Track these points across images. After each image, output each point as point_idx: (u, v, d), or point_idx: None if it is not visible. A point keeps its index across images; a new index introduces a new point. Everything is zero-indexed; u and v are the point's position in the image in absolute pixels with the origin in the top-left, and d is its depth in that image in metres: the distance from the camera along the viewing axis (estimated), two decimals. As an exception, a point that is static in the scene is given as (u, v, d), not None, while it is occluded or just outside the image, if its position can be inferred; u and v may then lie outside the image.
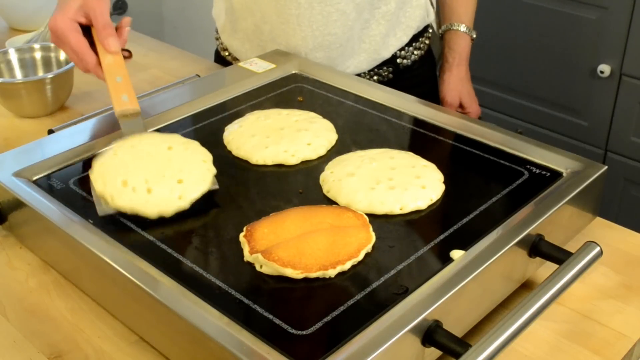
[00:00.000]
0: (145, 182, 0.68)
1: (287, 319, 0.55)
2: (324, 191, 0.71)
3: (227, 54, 1.13)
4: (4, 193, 0.72)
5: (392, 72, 1.05)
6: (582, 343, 0.62)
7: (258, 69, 0.96)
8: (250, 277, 0.60)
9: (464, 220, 0.66)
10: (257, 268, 0.61)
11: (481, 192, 0.71)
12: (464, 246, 0.62)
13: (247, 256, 0.61)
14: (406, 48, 1.05)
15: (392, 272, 0.60)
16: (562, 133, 1.73)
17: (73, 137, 0.80)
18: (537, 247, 0.64)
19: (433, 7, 1.10)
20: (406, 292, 0.57)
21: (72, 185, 0.73)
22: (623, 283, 0.68)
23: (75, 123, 0.86)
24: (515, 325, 0.55)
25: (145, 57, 1.22)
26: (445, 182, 0.72)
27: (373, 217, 0.67)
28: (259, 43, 1.05)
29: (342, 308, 0.56)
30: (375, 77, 1.05)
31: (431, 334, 0.54)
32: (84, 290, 0.67)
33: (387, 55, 1.03)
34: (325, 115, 0.84)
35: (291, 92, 0.92)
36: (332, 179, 0.72)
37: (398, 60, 1.05)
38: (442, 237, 0.64)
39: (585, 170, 0.71)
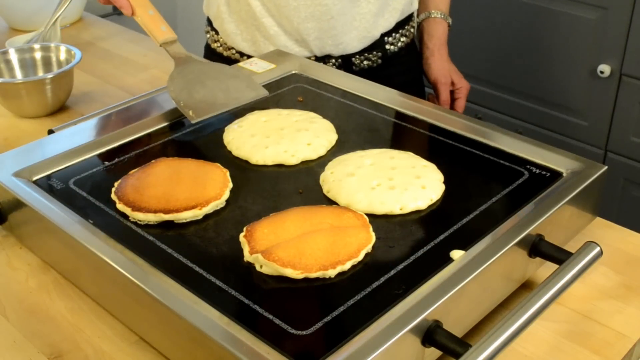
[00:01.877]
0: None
1: (287, 319, 0.55)
2: (324, 191, 0.71)
3: (218, 45, 1.15)
4: (4, 193, 0.72)
5: (381, 58, 1.10)
6: (582, 343, 0.62)
7: (258, 69, 0.96)
8: (250, 277, 0.60)
9: (464, 220, 0.66)
10: (257, 268, 0.61)
11: (481, 192, 0.71)
12: (464, 246, 0.62)
13: (247, 256, 0.61)
14: (393, 34, 1.10)
15: (392, 272, 0.60)
16: (562, 133, 1.73)
17: (73, 137, 0.80)
18: (537, 247, 0.64)
19: None
20: (406, 292, 0.57)
21: (72, 185, 0.73)
22: (623, 283, 0.68)
23: (75, 123, 0.86)
24: (515, 325, 0.55)
25: (145, 57, 1.22)
26: (445, 182, 0.72)
27: (373, 217, 0.67)
28: (253, 22, 1.07)
29: (342, 308, 0.56)
30: (365, 63, 1.09)
31: (431, 334, 0.54)
32: (84, 290, 0.67)
33: (376, 34, 1.08)
34: (325, 115, 0.84)
35: (291, 92, 0.92)
36: (332, 179, 0.72)
37: (386, 47, 1.10)
38: (442, 237, 0.64)
39: (585, 170, 0.71)
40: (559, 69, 1.68)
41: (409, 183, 0.70)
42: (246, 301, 0.57)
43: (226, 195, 0.70)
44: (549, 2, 1.64)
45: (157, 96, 0.91)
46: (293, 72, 0.96)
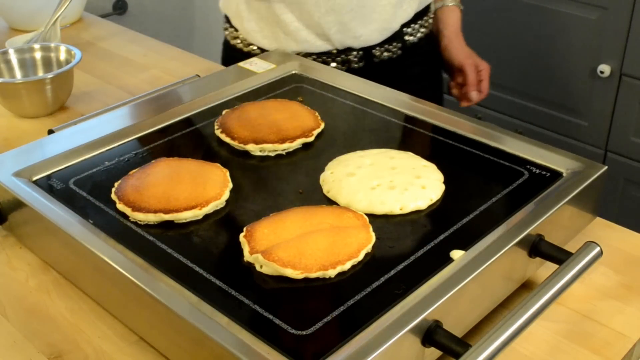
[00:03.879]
0: None
1: (287, 319, 0.55)
2: (324, 191, 0.71)
3: (238, 41, 1.15)
4: (4, 193, 0.72)
5: (401, 49, 1.11)
6: (582, 343, 0.62)
7: (258, 69, 0.96)
8: (250, 277, 0.60)
9: (464, 220, 0.66)
10: (257, 268, 0.61)
11: (481, 192, 0.71)
12: (464, 246, 0.62)
13: (247, 256, 0.61)
14: (412, 25, 1.11)
15: (392, 272, 0.60)
16: (562, 133, 1.73)
17: (73, 137, 0.80)
18: (537, 247, 0.64)
19: None
20: (406, 292, 0.57)
21: (72, 185, 0.73)
22: (623, 283, 0.68)
23: (75, 123, 0.86)
24: (515, 325, 0.55)
25: (145, 57, 1.22)
26: (445, 182, 0.72)
27: (373, 217, 0.67)
28: (273, 19, 1.08)
29: (342, 308, 0.56)
30: (385, 54, 1.10)
31: (431, 334, 0.54)
32: (84, 290, 0.67)
33: (395, 26, 1.09)
34: (324, 115, 0.84)
35: (291, 92, 0.92)
36: (332, 179, 0.72)
37: (406, 38, 1.11)
38: (442, 237, 0.64)
39: (585, 170, 0.71)
40: (559, 69, 1.68)
41: (409, 183, 0.70)
42: (246, 301, 0.57)
43: (226, 195, 0.70)
44: (549, 2, 1.65)
45: (157, 96, 0.91)
46: (293, 72, 0.96)
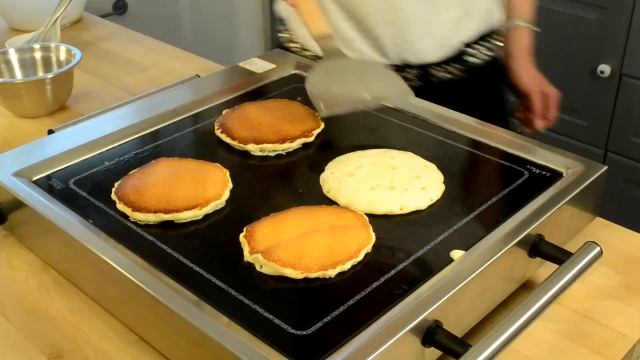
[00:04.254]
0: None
1: (287, 319, 0.55)
2: (324, 191, 0.71)
3: (292, 45, 1.11)
4: (4, 193, 0.72)
5: (462, 71, 1.04)
6: (582, 343, 0.62)
7: (258, 69, 0.96)
8: (250, 277, 0.60)
9: (464, 220, 0.66)
10: (257, 268, 0.61)
11: (481, 192, 0.71)
12: (464, 246, 0.62)
13: (247, 256, 0.61)
14: (475, 46, 1.04)
15: (392, 272, 0.60)
16: (562, 133, 1.73)
17: (73, 137, 0.80)
18: (537, 247, 0.64)
19: (501, 9, 1.10)
20: (406, 292, 0.57)
21: (72, 185, 0.73)
22: (623, 283, 0.68)
23: (75, 123, 0.86)
24: (515, 325, 0.55)
25: (145, 57, 1.22)
26: (445, 182, 0.72)
27: (373, 217, 0.67)
28: (333, 22, 1.03)
29: (342, 308, 0.56)
30: (445, 74, 1.03)
31: (431, 334, 0.54)
32: (84, 290, 0.67)
33: (455, 44, 1.02)
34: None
35: (291, 92, 0.92)
36: (332, 179, 0.72)
37: (467, 58, 1.04)
38: (442, 237, 0.64)
39: (585, 170, 0.71)
40: (559, 69, 1.68)
41: (409, 183, 0.70)
42: (246, 301, 0.57)
43: (226, 195, 0.70)
44: (549, 2, 1.64)
45: (157, 96, 0.91)
46: (293, 72, 0.96)
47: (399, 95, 0.83)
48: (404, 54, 1.01)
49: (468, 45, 1.03)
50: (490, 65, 1.08)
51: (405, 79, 0.99)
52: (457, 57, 1.03)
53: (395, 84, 0.84)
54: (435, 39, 1.01)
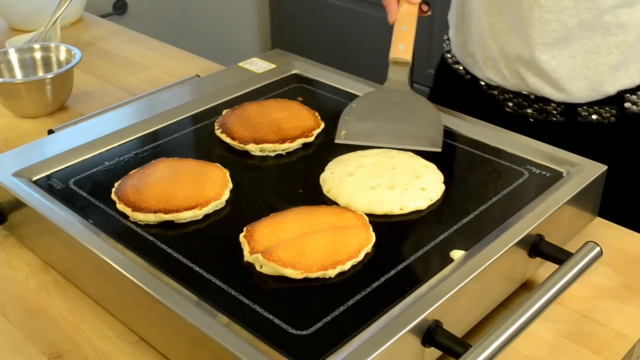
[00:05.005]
0: None
1: (287, 319, 0.55)
2: (324, 191, 0.71)
3: (460, 67, 1.01)
4: (4, 193, 0.72)
5: (616, 117, 0.89)
6: (582, 343, 0.62)
7: (258, 69, 0.96)
8: (250, 277, 0.60)
9: (464, 220, 0.66)
10: (257, 268, 0.61)
11: (481, 192, 0.71)
12: (464, 246, 0.62)
13: (247, 256, 0.61)
14: (638, 93, 0.88)
15: (392, 272, 0.60)
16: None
17: (73, 137, 0.80)
18: (537, 247, 0.64)
19: None
20: (406, 292, 0.57)
21: (72, 185, 0.73)
22: (623, 283, 0.68)
23: (75, 123, 0.86)
24: (515, 325, 0.55)
25: (145, 57, 1.22)
26: (445, 182, 0.72)
27: (373, 217, 0.67)
28: (478, 39, 0.95)
29: (342, 308, 0.56)
30: (594, 117, 0.89)
31: (431, 334, 0.54)
32: (84, 290, 0.67)
33: (611, 91, 0.88)
34: (324, 115, 0.84)
35: (291, 92, 0.92)
36: (332, 179, 0.72)
37: (626, 105, 0.88)
38: (442, 237, 0.64)
39: (585, 170, 0.71)
40: None
41: (409, 183, 0.70)
42: (246, 301, 0.57)
43: (226, 195, 0.70)
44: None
45: (157, 96, 0.91)
46: (293, 72, 0.96)
47: (425, 147, 0.78)
48: (545, 88, 0.90)
49: (628, 91, 0.88)
50: None
51: (546, 111, 0.91)
52: (612, 101, 0.89)
53: (431, 133, 0.79)
54: (586, 81, 0.88)
